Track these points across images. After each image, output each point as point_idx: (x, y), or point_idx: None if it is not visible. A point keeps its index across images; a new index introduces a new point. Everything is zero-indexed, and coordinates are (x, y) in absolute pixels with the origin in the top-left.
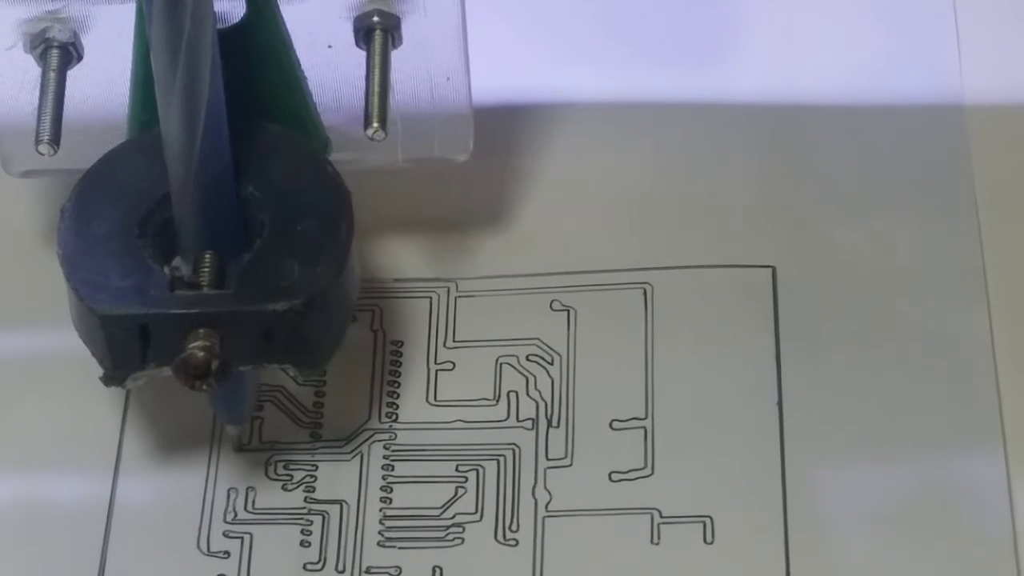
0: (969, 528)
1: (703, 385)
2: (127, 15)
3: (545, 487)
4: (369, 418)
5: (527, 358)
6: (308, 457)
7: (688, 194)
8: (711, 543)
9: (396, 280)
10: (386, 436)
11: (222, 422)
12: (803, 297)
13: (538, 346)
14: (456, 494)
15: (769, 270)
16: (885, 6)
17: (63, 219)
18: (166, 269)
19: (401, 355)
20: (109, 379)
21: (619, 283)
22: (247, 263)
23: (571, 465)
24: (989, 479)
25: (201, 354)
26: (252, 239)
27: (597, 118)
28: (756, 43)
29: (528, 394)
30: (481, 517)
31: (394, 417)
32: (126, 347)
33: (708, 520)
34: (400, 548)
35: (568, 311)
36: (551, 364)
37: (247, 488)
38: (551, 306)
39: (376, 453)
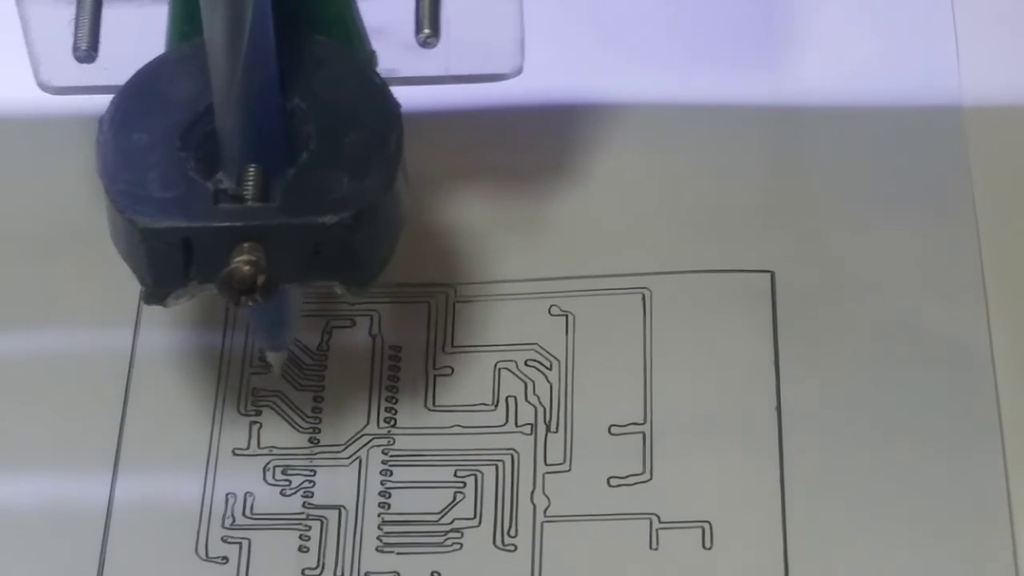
0: (969, 533)
1: (702, 390)
2: None
3: (544, 492)
4: (367, 423)
5: (526, 363)
6: (306, 462)
7: (686, 199)
8: (710, 548)
9: (395, 285)
10: (384, 441)
11: (262, 349)
12: (802, 302)
13: (537, 351)
14: (455, 499)
15: (768, 275)
16: (884, 6)
17: (101, 130)
18: (209, 182)
19: (400, 360)
20: (150, 296)
21: (618, 288)
22: (294, 176)
23: (570, 470)
24: (988, 483)
25: (247, 268)
26: (297, 152)
27: (596, 122)
28: (756, 43)
29: (527, 399)
30: (480, 522)
31: (392, 422)
32: (168, 262)
33: (707, 525)
34: (399, 553)
35: (567, 316)
36: (550, 369)
37: (245, 493)
38: (550, 311)
39: (375, 458)
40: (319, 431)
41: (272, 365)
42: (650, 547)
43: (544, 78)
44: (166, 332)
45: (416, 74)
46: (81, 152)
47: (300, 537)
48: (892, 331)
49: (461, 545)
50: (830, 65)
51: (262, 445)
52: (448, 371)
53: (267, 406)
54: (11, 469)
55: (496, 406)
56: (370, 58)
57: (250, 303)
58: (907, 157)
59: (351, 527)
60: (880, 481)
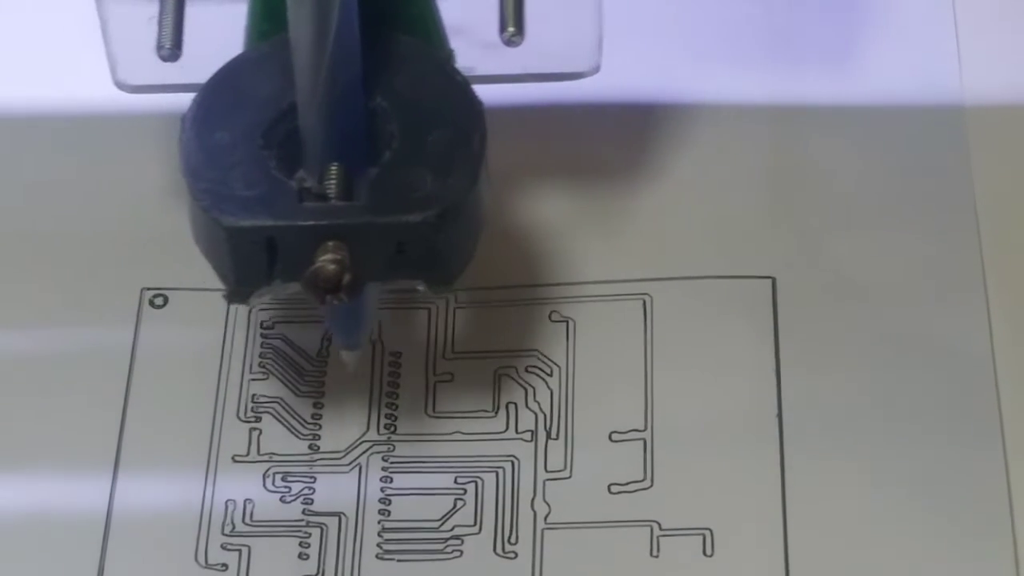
0: (970, 539)
1: (703, 397)
2: None
3: (544, 499)
4: (367, 430)
5: (526, 369)
6: (306, 469)
7: (687, 204)
8: (711, 556)
9: (395, 291)
10: (384, 448)
11: (337, 347)
12: (803, 308)
13: (537, 357)
14: (455, 506)
15: (769, 281)
16: (885, 6)
17: (184, 128)
18: (293, 181)
19: (400, 366)
20: (233, 296)
21: (618, 294)
22: (378, 174)
23: (570, 477)
24: (990, 489)
25: (332, 267)
26: (379, 151)
27: (594, 127)
28: (755, 43)
29: (527, 406)
30: (480, 530)
31: (392, 429)
32: (251, 261)
33: (708, 533)
34: (399, 561)
35: (567, 322)
36: (550, 376)
37: (245, 500)
38: (550, 317)
39: (375, 465)
40: (319, 438)
41: (347, 364)
42: (651, 554)
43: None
44: (166, 338)
45: (493, 72)
46: (79, 152)
47: (300, 544)
48: (893, 337)
49: (461, 552)
50: (832, 63)
51: (262, 452)
52: (448, 377)
53: (267, 412)
54: (10, 475)
55: (496, 413)
56: (449, 56)
57: (335, 302)
58: (908, 158)
59: (351, 534)
60: (882, 488)
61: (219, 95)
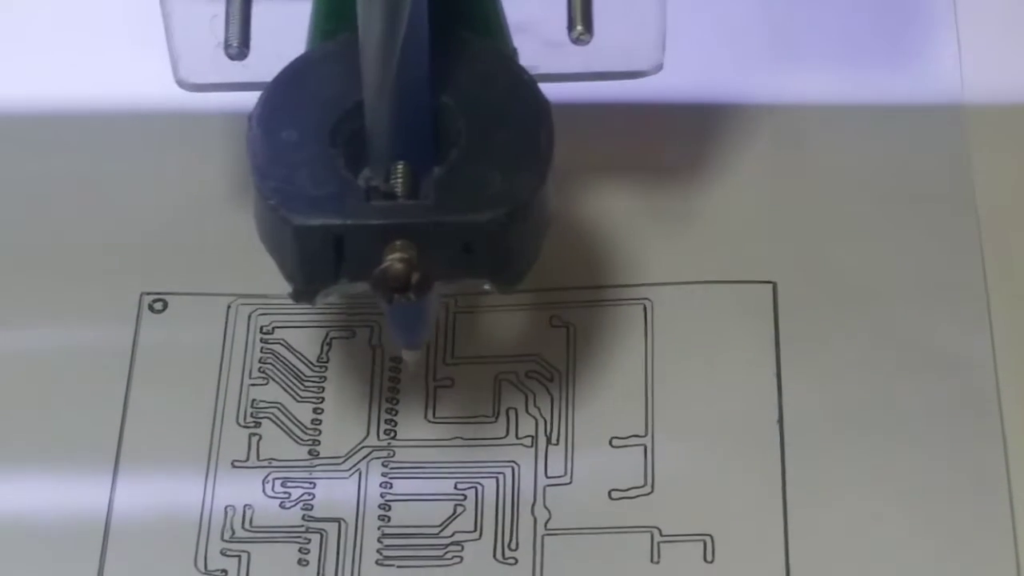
0: (972, 545)
1: (703, 402)
2: None
3: (544, 505)
4: (367, 435)
5: (526, 375)
6: (306, 474)
7: (687, 208)
8: (711, 562)
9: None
10: (384, 453)
11: (398, 346)
12: (804, 313)
13: (537, 363)
14: (455, 512)
15: (770, 286)
16: (885, 6)
17: (251, 127)
18: (361, 179)
19: (400, 371)
20: (299, 295)
21: (619, 299)
22: (446, 173)
23: (570, 483)
24: (991, 495)
25: (401, 266)
26: (445, 149)
27: (593, 129)
28: (755, 44)
29: (527, 411)
30: (480, 535)
31: (392, 434)
32: (319, 260)
33: (708, 539)
34: (399, 567)
35: (568, 327)
36: (550, 381)
37: (244, 506)
38: (550, 322)
39: (374, 470)
40: (319, 443)
41: (408, 363)
42: (651, 560)
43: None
44: (165, 343)
45: (556, 71)
46: (78, 156)
47: (300, 550)
48: (895, 342)
49: (461, 558)
50: (832, 63)
51: (261, 457)
52: (448, 383)
53: (266, 418)
54: (9, 480)
55: (497, 418)
56: (512, 55)
57: (403, 301)
58: (909, 159)
59: (351, 540)
60: (883, 494)
61: (285, 94)
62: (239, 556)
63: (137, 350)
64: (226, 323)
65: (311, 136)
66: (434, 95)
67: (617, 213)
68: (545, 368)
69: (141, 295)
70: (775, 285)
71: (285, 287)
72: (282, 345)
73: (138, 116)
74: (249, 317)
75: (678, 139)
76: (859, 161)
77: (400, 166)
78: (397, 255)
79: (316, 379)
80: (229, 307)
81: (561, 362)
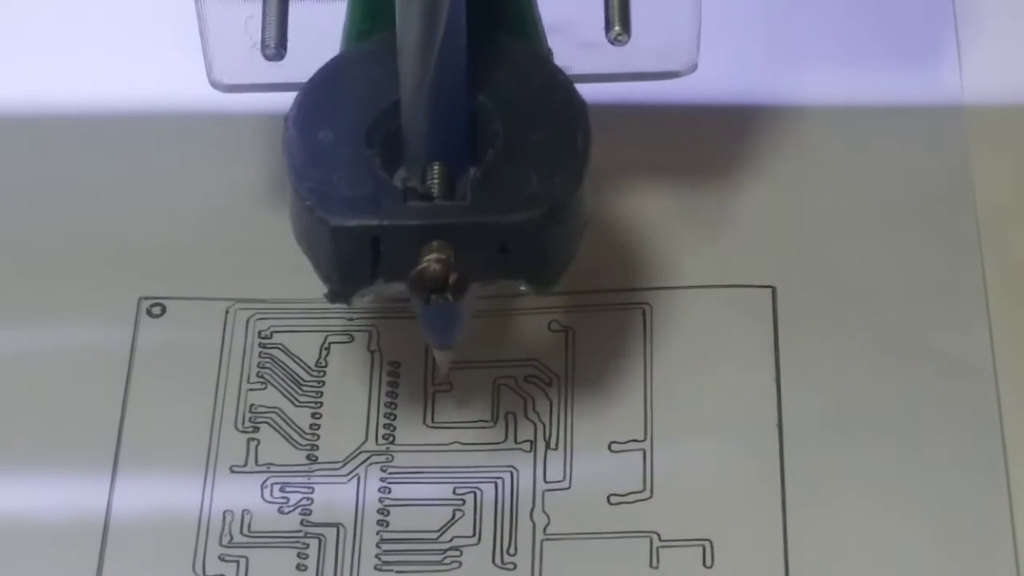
0: (972, 549)
1: (702, 407)
2: None
3: (543, 510)
4: (366, 440)
5: (525, 379)
6: (304, 479)
7: (686, 212)
8: (710, 567)
9: (393, 301)
10: (383, 458)
11: (431, 346)
12: (803, 317)
13: (536, 367)
14: (454, 517)
15: (769, 290)
16: (885, 6)
17: (287, 128)
18: (397, 180)
19: (398, 376)
20: (335, 295)
21: (618, 303)
22: (482, 173)
23: (569, 488)
24: (992, 501)
25: (438, 266)
26: (482, 150)
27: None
28: (754, 45)
29: (526, 416)
30: (479, 540)
31: (391, 439)
32: (355, 260)
33: (707, 544)
34: (397, 572)
35: (567, 332)
36: (549, 386)
37: (243, 511)
38: (549, 327)
39: (373, 475)
40: (317, 447)
41: (439, 364)
42: (651, 565)
43: None
44: (163, 348)
45: (591, 71)
46: (77, 159)
47: (298, 555)
48: (894, 344)
49: (460, 563)
50: (832, 63)
51: (260, 462)
52: (447, 387)
53: (265, 422)
54: (8, 485)
55: (495, 423)
56: (548, 55)
57: (440, 302)
58: (908, 159)
59: (349, 545)
60: (882, 498)
61: (321, 95)
62: (237, 561)
63: (135, 355)
64: (224, 328)
65: (347, 137)
66: (471, 96)
67: (616, 217)
68: (544, 372)
69: (139, 299)
70: (774, 289)
71: (284, 292)
72: (280, 350)
73: (137, 120)
74: (247, 322)
75: (676, 143)
76: (859, 162)
77: (436, 167)
78: (434, 256)
79: (314, 384)
80: (227, 312)
81: (560, 367)
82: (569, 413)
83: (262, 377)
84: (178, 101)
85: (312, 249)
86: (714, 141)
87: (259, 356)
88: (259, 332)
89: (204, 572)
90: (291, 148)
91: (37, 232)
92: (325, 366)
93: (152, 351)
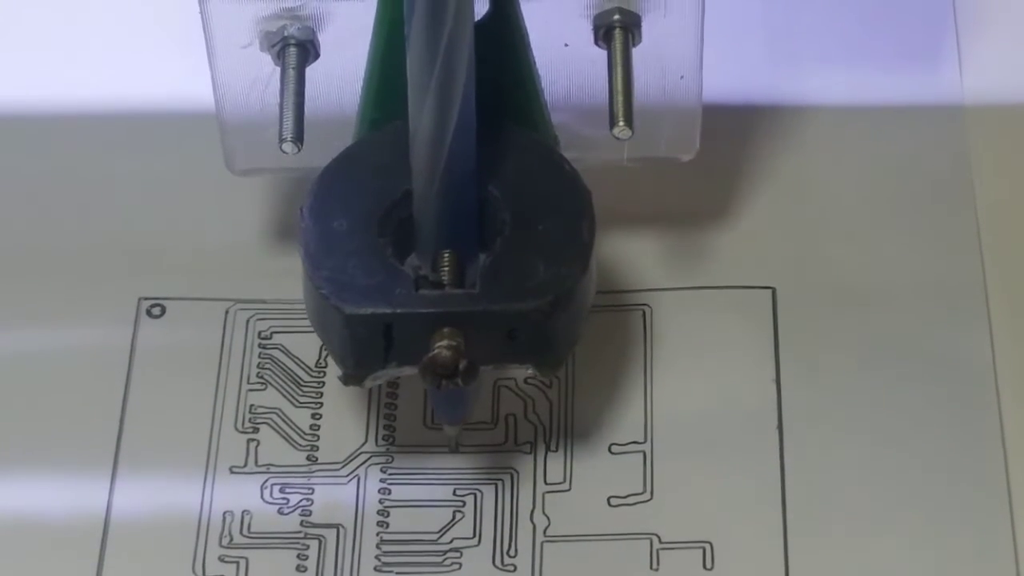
0: (972, 551)
1: (703, 408)
2: (363, 13)
3: (543, 512)
4: (366, 441)
5: (525, 381)
6: (304, 480)
7: (686, 213)
8: (711, 569)
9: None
10: (383, 459)
11: (441, 421)
12: (803, 318)
13: None
14: (454, 518)
15: (769, 291)
16: (885, 7)
17: (303, 217)
18: (408, 268)
19: (398, 377)
20: (349, 378)
21: (618, 305)
22: (491, 262)
23: (570, 490)
24: (992, 503)
25: (449, 353)
26: (490, 237)
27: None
28: (753, 45)
29: (526, 418)
30: (479, 542)
31: (391, 440)
32: (369, 346)
33: (708, 546)
34: (397, 573)
35: None
36: (549, 387)
37: (242, 512)
38: None
39: (373, 476)
40: (317, 448)
41: (448, 435)
42: (651, 568)
43: None
44: (163, 348)
45: (592, 160)
46: (76, 160)
47: (298, 556)
48: (894, 345)
49: (460, 565)
50: (832, 63)
51: (260, 463)
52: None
53: (265, 423)
54: (7, 486)
55: (496, 424)
56: (555, 142)
57: (451, 386)
58: (908, 159)
59: (349, 546)
60: (882, 499)
61: (335, 184)
62: (237, 562)
63: (135, 355)
64: (224, 328)
65: (360, 225)
66: (480, 186)
67: (615, 218)
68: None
69: (139, 300)
70: (774, 291)
71: (284, 293)
72: (280, 350)
73: (137, 119)
74: (247, 322)
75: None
76: (859, 163)
77: (447, 255)
78: (445, 342)
79: (314, 384)
80: (227, 312)
81: (560, 368)
82: (569, 415)
83: (262, 378)
84: (178, 101)
85: (326, 333)
86: (714, 141)
87: (259, 357)
88: (259, 332)
89: (204, 573)
90: (307, 237)
91: (37, 232)
92: (325, 367)
93: (152, 351)
